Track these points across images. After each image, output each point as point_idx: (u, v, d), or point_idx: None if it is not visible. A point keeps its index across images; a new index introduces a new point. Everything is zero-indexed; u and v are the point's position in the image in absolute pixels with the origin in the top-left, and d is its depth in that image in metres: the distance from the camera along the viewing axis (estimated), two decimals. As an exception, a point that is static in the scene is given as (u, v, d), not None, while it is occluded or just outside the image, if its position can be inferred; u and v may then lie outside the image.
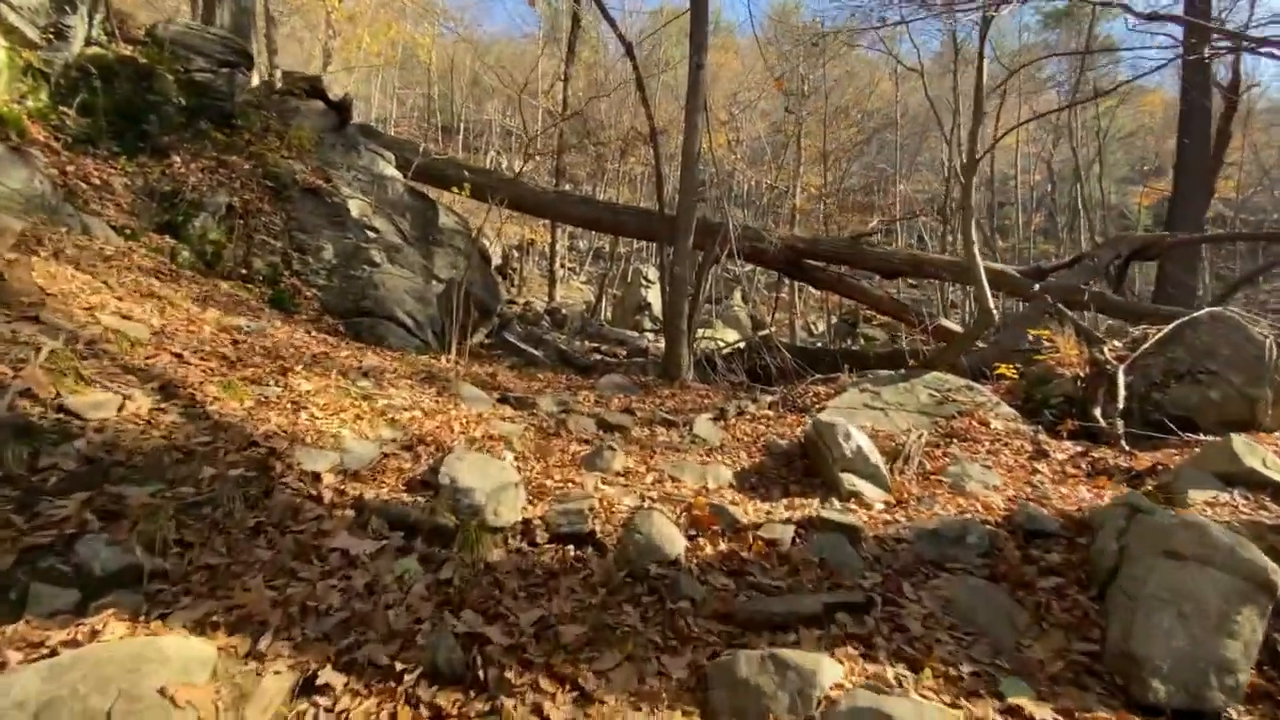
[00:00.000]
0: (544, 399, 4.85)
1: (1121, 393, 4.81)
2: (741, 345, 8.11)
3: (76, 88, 6.04)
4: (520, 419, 4.16)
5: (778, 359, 7.28)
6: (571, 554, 2.37)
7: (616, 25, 7.62)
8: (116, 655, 1.35)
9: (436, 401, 4.02)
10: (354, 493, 2.38)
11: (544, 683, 1.61)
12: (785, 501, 3.13)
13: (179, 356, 2.85)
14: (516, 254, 18.97)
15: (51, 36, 5.95)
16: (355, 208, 7.39)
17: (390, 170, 8.35)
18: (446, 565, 2.10)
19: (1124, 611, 1.95)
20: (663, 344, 8.90)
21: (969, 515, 2.95)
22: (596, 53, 19.08)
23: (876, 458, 3.42)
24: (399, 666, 1.59)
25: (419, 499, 2.44)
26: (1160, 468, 3.85)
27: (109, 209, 5.49)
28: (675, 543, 2.46)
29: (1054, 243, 27.12)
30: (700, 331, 8.19)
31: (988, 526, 2.75)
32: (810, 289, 18.71)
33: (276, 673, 1.49)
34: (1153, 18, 5.33)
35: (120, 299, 3.17)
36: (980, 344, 6.60)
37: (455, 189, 8.30)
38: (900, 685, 1.66)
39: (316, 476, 2.41)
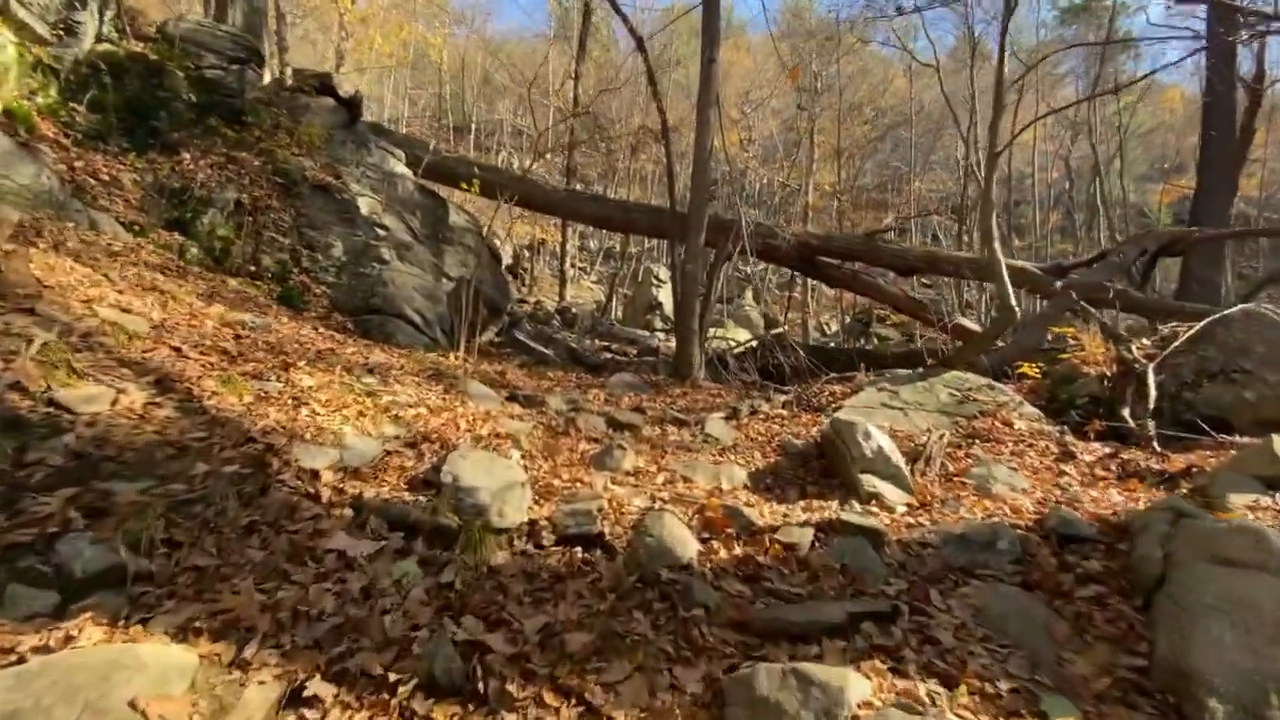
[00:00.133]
0: (553, 397, 4.75)
1: (1152, 392, 4.64)
2: (754, 344, 7.97)
3: (87, 84, 6.02)
4: (528, 417, 4.06)
5: (791, 358, 7.14)
6: (579, 557, 2.26)
7: (628, 19, 7.52)
8: (89, 663, 1.26)
9: (443, 399, 3.92)
10: (353, 491, 2.29)
11: (548, 696, 1.50)
12: (802, 503, 3.00)
13: (178, 351, 2.78)
14: (527, 253, 18.92)
15: (62, 33, 5.94)
16: (365, 205, 7.34)
17: (400, 168, 8.30)
18: (448, 568, 2.00)
19: (1173, 622, 1.81)
20: (674, 343, 8.78)
21: (997, 519, 2.80)
22: (608, 50, 19.01)
23: (898, 458, 3.28)
24: (393, 677, 1.49)
25: (421, 498, 2.34)
26: (1195, 470, 3.67)
27: (117, 205, 5.46)
28: (687, 546, 2.34)
29: (1072, 241, 26.68)
30: (712, 331, 8.06)
31: (1018, 531, 2.61)
32: (823, 288, 18.53)
33: (261, 683, 1.39)
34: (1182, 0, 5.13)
35: (121, 292, 3.11)
36: (1000, 342, 6.41)
37: (465, 186, 8.24)
38: (934, 704, 1.54)
39: (315, 474, 2.31)
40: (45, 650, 1.33)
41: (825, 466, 3.65)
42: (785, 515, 2.76)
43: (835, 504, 2.98)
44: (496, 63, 20.94)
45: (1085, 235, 25.54)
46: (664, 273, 15.49)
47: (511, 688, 1.52)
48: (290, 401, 2.83)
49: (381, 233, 7.34)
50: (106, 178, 5.61)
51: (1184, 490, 3.36)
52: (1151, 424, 4.46)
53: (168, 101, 6.51)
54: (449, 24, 20.39)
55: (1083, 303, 6.53)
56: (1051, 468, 4.04)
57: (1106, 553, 2.40)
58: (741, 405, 5.37)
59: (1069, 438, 4.55)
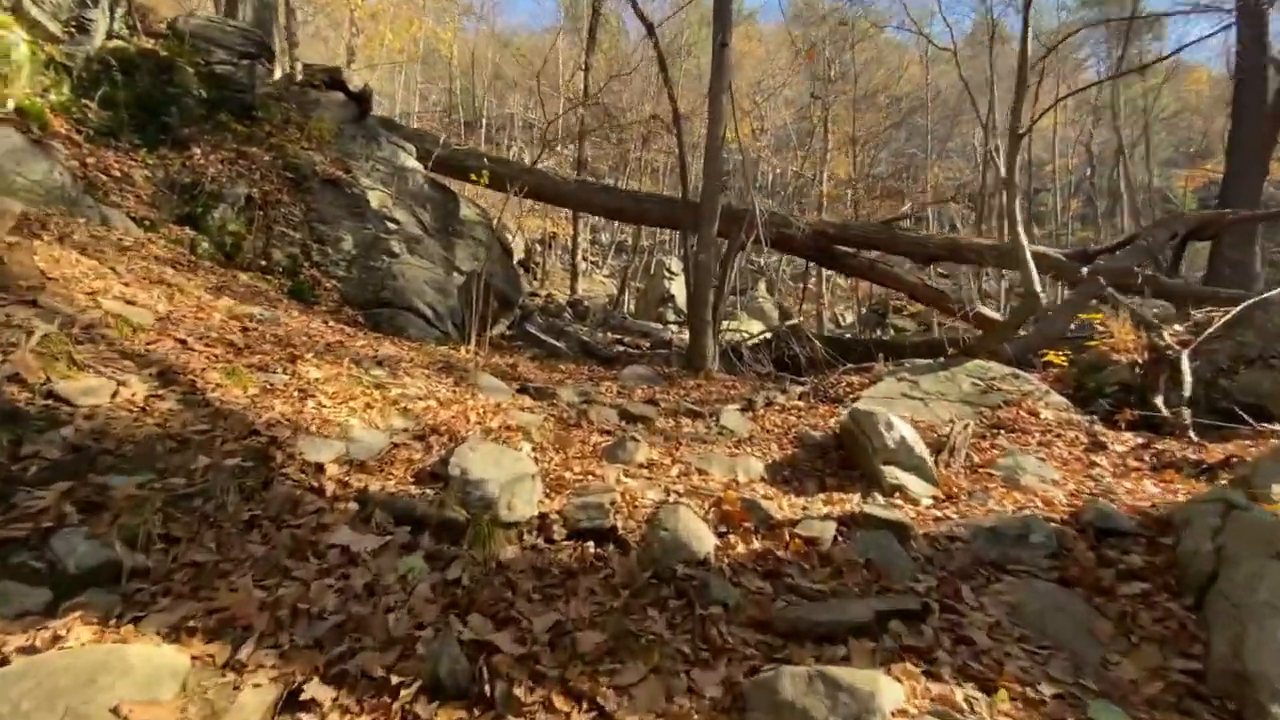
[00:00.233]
0: (565, 389, 4.67)
1: (1187, 379, 4.47)
2: (769, 335, 7.83)
3: (98, 81, 6.02)
4: (539, 409, 3.98)
5: (807, 349, 7.00)
6: (591, 551, 2.17)
7: (637, 3, 7.39)
8: (75, 665, 1.19)
9: (453, 391, 3.86)
10: (358, 485, 2.22)
11: (558, 700, 1.41)
12: (822, 496, 2.89)
13: (183, 343, 2.73)
14: (539, 247, 18.87)
15: (73, 30, 5.94)
16: (375, 199, 7.30)
17: (411, 162, 8.25)
18: (455, 564, 1.92)
19: (1229, 622, 1.68)
20: (686, 336, 8.66)
21: (1029, 511, 2.68)
22: (617, 40, 18.82)
23: (921, 449, 3.15)
24: (395, 679, 1.41)
25: (428, 491, 2.26)
26: (1235, 460, 3.51)
27: (129, 200, 5.45)
28: (704, 540, 2.24)
29: (1093, 229, 26.10)
30: (725, 323, 7.93)
31: (1052, 524, 2.48)
32: (838, 279, 18.28)
33: (256, 686, 1.32)
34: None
35: (126, 285, 3.07)
36: (1023, 330, 6.23)
37: (474, 178, 8.17)
38: (972, 710, 1.43)
39: (319, 467, 2.25)
40: (31, 651, 1.27)
41: (845, 458, 3.53)
42: (805, 508, 2.65)
43: (857, 497, 2.87)
44: (506, 56, 20.87)
45: (1107, 222, 24.97)
46: (676, 265, 15.36)
47: (519, 691, 1.43)
48: (296, 394, 2.77)
49: (392, 226, 7.29)
50: (118, 174, 5.61)
51: (1224, 481, 3.21)
52: (1187, 412, 4.29)
53: (178, 97, 6.50)
54: (458, 18, 20.34)
55: (1110, 289, 6.34)
56: (1081, 458, 3.89)
57: (1148, 547, 2.27)
58: (757, 397, 5.25)
59: (1099, 427, 4.39)
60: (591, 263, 21.62)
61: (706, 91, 6.99)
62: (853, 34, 14.97)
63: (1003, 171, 10.68)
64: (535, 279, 16.75)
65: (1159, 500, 2.85)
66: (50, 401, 2.00)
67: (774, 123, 20.25)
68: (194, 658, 1.35)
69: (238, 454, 2.12)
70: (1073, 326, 6.43)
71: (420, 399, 3.44)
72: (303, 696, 1.33)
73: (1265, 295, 4.76)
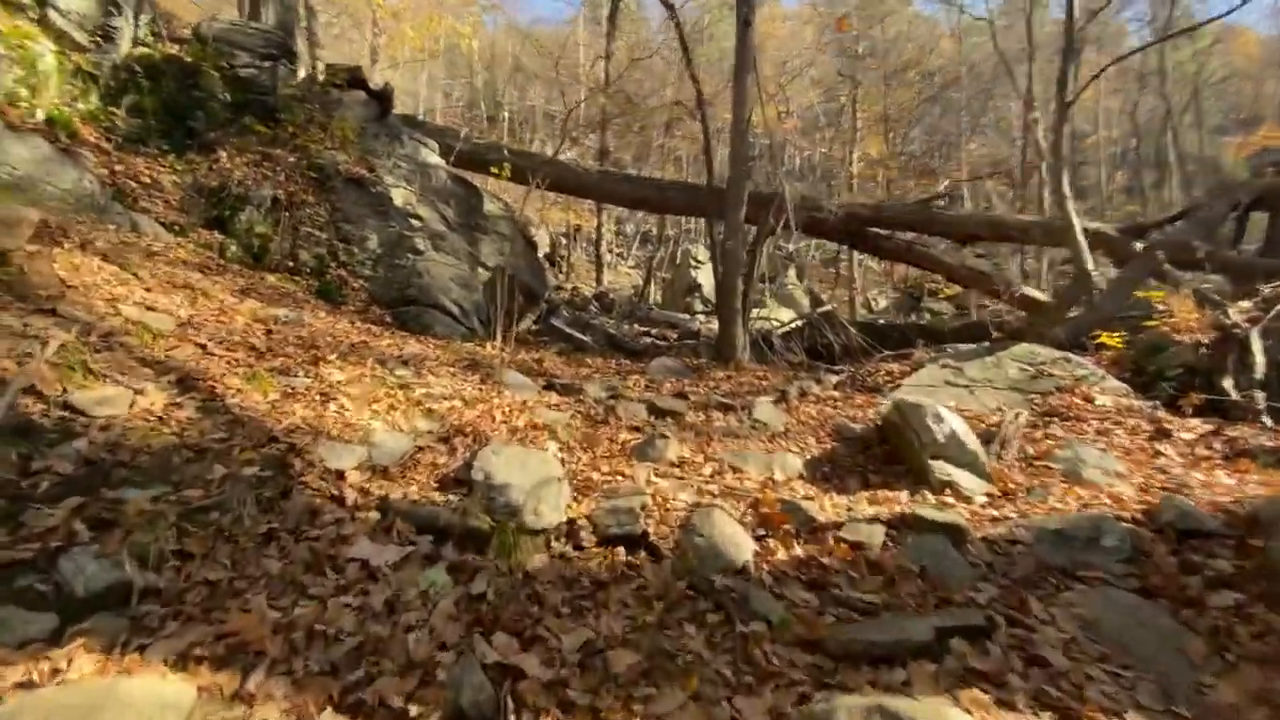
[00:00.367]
0: (591, 385, 4.56)
1: (1259, 360, 4.14)
2: (800, 323, 7.59)
3: (125, 88, 6.08)
4: (566, 406, 3.87)
5: (841, 336, 6.75)
6: (622, 559, 2.05)
7: (657, -14, 7.15)
8: (71, 701, 1.12)
9: (479, 389, 3.77)
10: (380, 492, 2.13)
11: (589, 733, 1.30)
12: (866, 494, 2.71)
13: (203, 348, 2.69)
14: (564, 240, 18.81)
15: (99, 39, 6.00)
16: (399, 196, 7.28)
17: (433, 158, 8.21)
18: (479, 576, 1.82)
19: (1348, 643, 1.48)
20: (715, 325, 8.48)
21: (1096, 510, 2.46)
22: (638, 27, 18.54)
23: (973, 442, 2.95)
24: (414, 710, 1.31)
25: (451, 498, 2.17)
26: (1320, 447, 3.21)
27: (158, 206, 5.50)
28: (742, 546, 2.10)
29: (1139, 201, 24.92)
30: (755, 311, 7.72)
31: (1124, 524, 2.27)
32: (870, 263, 17.79)
33: (265, 720, 1.23)
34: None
35: (149, 290, 3.04)
36: (1072, 312, 5.89)
37: (495, 171, 8.09)
38: (1055, 747, 1.27)
39: (340, 475, 2.17)
40: (29, 686, 1.20)
41: (888, 452, 3.34)
42: (849, 509, 2.49)
43: (904, 495, 2.69)
44: (527, 48, 20.76)
45: (1155, 194, 23.80)
46: (702, 253, 15.10)
47: (548, 721, 1.32)
48: (318, 397, 2.71)
49: (416, 224, 7.26)
50: (147, 180, 5.67)
51: (1309, 471, 2.94)
52: (1259, 395, 3.98)
53: (203, 102, 6.54)
54: (478, 13, 20.28)
55: (1168, 264, 5.94)
56: (1145, 448, 3.63)
57: (1237, 550, 2.05)
58: (790, 387, 5.06)
59: (1162, 413, 4.11)
60: (617, 254, 21.48)
61: (729, 75, 6.75)
62: (881, 6, 14.43)
63: (1044, 146, 10.16)
64: (560, 272, 16.69)
65: (1240, 494, 2.60)
66: (65, 413, 1.95)
67: (800, 104, 19.74)
68: (201, 688, 1.27)
69: (256, 463, 2.06)
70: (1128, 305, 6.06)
71: (445, 399, 3.36)
72: (315, 730, 1.24)
73: (1347, 267, 4.38)
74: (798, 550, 2.14)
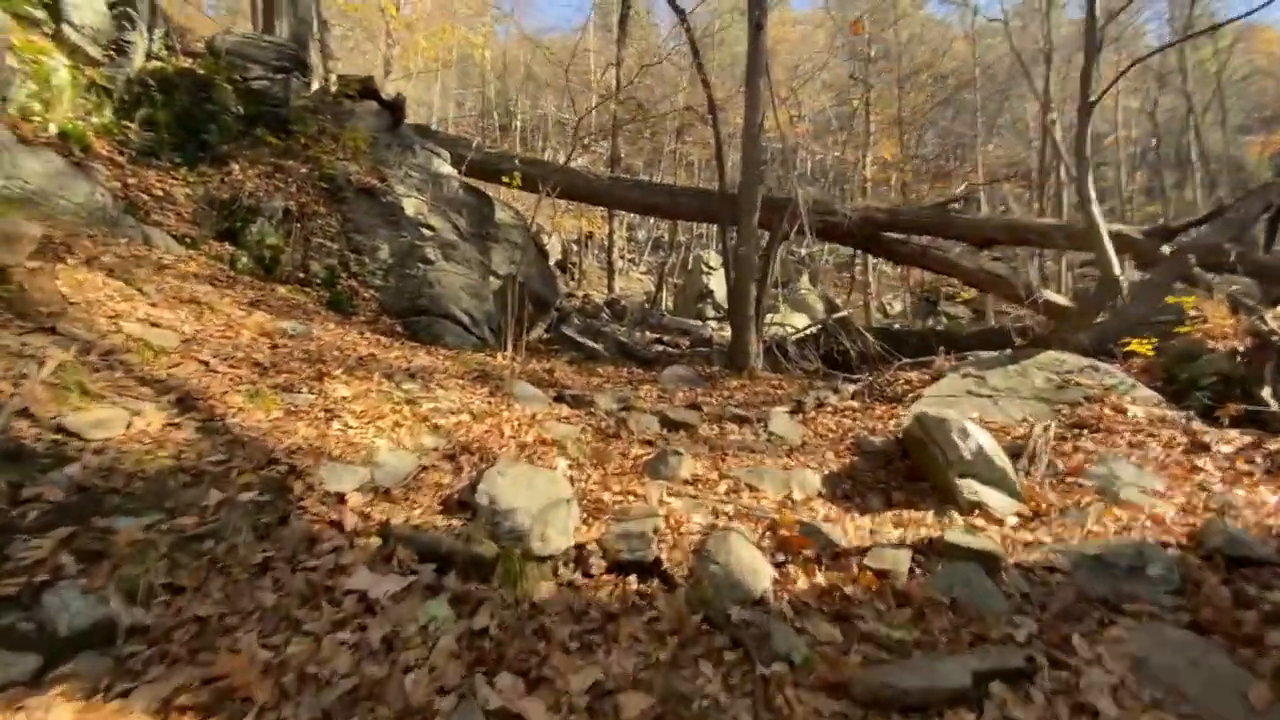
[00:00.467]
0: (603, 396, 4.47)
1: (1301, 369, 3.95)
2: (815, 329, 7.46)
3: (139, 102, 6.12)
4: (577, 419, 3.79)
5: (857, 343, 6.61)
6: (634, 588, 1.95)
7: (668, -9, 7.11)
8: (42, 761, 1.04)
9: (488, 402, 3.70)
10: (381, 516, 2.05)
11: (598, 791, 1.20)
12: (890, 515, 2.59)
13: (206, 365, 2.63)
14: (576, 248, 18.79)
15: (113, 54, 6.05)
16: (410, 206, 7.26)
17: (446, 168, 8.20)
18: (482, 609, 1.73)
19: None
20: (728, 332, 8.36)
21: (1137, 533, 2.32)
22: (648, 34, 18.53)
23: (1002, 459, 2.81)
24: (410, 765, 1.22)
25: (455, 522, 2.08)
26: (1372, 462, 3.04)
27: (170, 218, 5.51)
28: (760, 574, 1.99)
29: (1160, 202, 24.44)
30: (768, 317, 7.60)
31: (1170, 550, 2.13)
32: (884, 267, 17.57)
33: (249, 777, 1.15)
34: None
35: (154, 306, 3.00)
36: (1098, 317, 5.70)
37: (506, 180, 8.06)
38: (1114, 815, 1.14)
39: (341, 498, 2.10)
40: (1, 739, 1.13)
41: (911, 468, 3.21)
42: (873, 532, 2.37)
43: (930, 515, 2.56)
44: (538, 57, 20.85)
45: (1176, 195, 23.34)
46: (714, 259, 15.00)
47: (553, 776, 1.22)
48: (321, 415, 2.64)
49: (427, 233, 7.24)
50: (160, 192, 5.68)
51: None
52: (1303, 406, 3.79)
53: (216, 114, 6.57)
54: (490, 23, 20.41)
55: (1198, 268, 5.75)
56: (1182, 462, 3.47)
57: (1295, 580, 1.90)
58: (806, 397, 4.95)
59: (1198, 425, 3.94)
60: (628, 260, 21.43)
61: (741, 80, 6.68)
62: (894, 10, 14.29)
63: (1063, 148, 9.95)
64: (572, 279, 16.67)
65: (1289, 515, 2.45)
66: (59, 436, 1.90)
67: (812, 108, 19.61)
68: (182, 742, 1.19)
69: (254, 486, 1.98)
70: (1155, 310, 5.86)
71: (453, 413, 3.28)
72: (302, 789, 1.15)
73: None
74: (819, 578, 2.02)
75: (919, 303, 15.45)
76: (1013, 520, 2.50)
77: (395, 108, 8.04)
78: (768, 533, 2.32)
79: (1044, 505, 2.66)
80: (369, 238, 6.73)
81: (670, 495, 2.66)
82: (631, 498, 2.57)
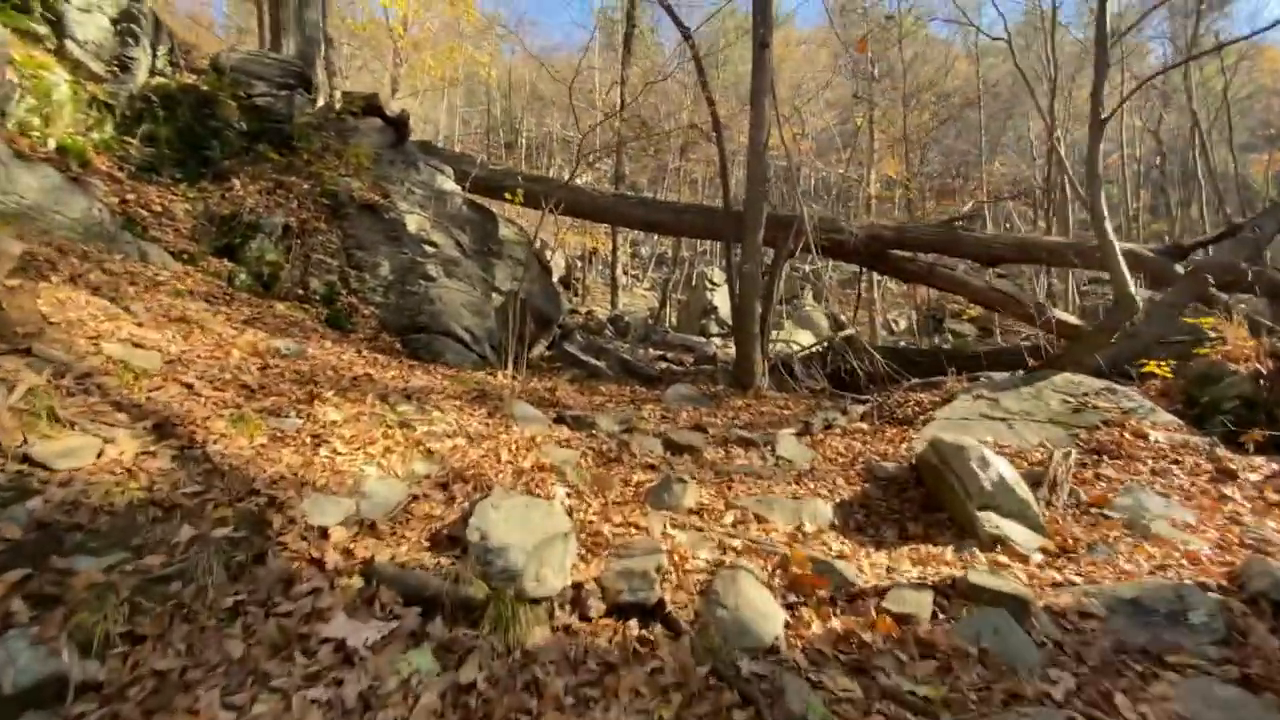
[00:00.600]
0: (604, 416, 4.35)
1: (1329, 393, 3.80)
2: (821, 347, 7.33)
3: (141, 117, 6.09)
4: (578, 442, 3.66)
5: (865, 362, 6.47)
6: (635, 634, 1.81)
7: (673, 10, 7.10)
8: None
9: (486, 424, 3.57)
10: (365, 553, 1.92)
11: None
12: (907, 550, 2.44)
13: (189, 387, 2.52)
14: (580, 264, 18.78)
15: (116, 69, 6.04)
16: (413, 223, 7.21)
17: (449, 184, 8.16)
18: (470, 659, 1.59)
19: None
20: (731, 349, 8.24)
21: (1172, 573, 2.17)
22: (651, 54, 18.66)
23: (1024, 489, 2.67)
24: None
25: (444, 560, 1.95)
26: None
27: (168, 234, 5.45)
28: (771, 618, 1.85)
29: (1165, 221, 24.38)
30: (773, 334, 7.48)
31: (1210, 593, 1.97)
32: (889, 284, 17.48)
33: None
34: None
35: (139, 325, 2.90)
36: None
37: (509, 196, 8.03)
38: None
39: (323, 532, 1.97)
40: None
41: (926, 496, 3.07)
42: (890, 569, 2.22)
43: (949, 551, 2.41)
44: (543, 75, 21.02)
45: (1182, 213, 23.27)
46: (718, 275, 14.94)
47: None
48: (308, 440, 2.52)
49: (429, 250, 7.18)
50: (159, 208, 5.63)
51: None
52: (1332, 432, 3.64)
53: (219, 130, 6.55)
54: (496, 42, 20.60)
55: (1213, 288, 5.62)
56: (1209, 491, 3.32)
57: (1352, 630, 1.75)
58: (814, 418, 4.81)
59: (1222, 451, 3.79)
60: (632, 276, 21.42)
61: (744, 99, 6.63)
62: (899, 29, 14.35)
63: (1068, 165, 9.88)
64: (576, 295, 16.61)
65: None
66: (23, 467, 1.78)
67: (815, 127, 19.67)
68: (123, 827, 1.06)
69: (230, 521, 1.86)
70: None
71: (448, 436, 3.16)
72: None
73: None
74: (835, 623, 1.88)
75: (925, 320, 15.32)
76: (1038, 557, 2.36)
77: (399, 124, 8.03)
78: (778, 570, 2.18)
79: (1070, 540, 2.51)
80: (370, 254, 6.66)
81: (674, 527, 2.52)
82: (633, 530, 2.44)
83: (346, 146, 7.35)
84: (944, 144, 21.76)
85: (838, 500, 3.09)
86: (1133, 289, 4.96)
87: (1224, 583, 2.07)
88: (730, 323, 9.34)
